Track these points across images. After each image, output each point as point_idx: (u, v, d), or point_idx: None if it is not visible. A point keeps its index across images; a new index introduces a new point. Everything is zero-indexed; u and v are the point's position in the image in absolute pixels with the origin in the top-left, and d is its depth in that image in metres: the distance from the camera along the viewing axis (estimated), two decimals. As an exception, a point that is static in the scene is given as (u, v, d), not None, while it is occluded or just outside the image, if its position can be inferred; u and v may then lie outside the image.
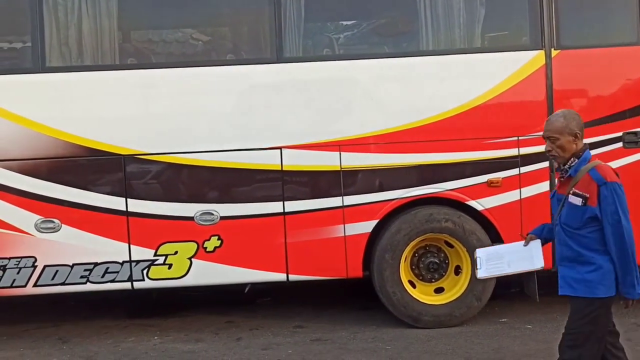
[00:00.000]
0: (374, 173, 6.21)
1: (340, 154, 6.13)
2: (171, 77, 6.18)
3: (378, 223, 6.21)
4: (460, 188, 6.19)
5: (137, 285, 6.19)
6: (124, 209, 6.12)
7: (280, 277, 6.22)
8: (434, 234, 6.23)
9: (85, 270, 6.12)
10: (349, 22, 6.92)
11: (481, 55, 6.29)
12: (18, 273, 6.10)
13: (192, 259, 6.16)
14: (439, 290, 6.35)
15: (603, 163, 3.75)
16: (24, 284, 6.12)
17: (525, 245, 4.07)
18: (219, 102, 6.20)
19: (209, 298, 7.50)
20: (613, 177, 3.66)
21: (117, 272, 6.14)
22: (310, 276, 6.26)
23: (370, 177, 6.21)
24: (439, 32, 6.29)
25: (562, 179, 3.81)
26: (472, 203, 6.20)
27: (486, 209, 6.18)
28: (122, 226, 6.11)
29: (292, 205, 6.17)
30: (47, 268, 6.10)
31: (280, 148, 6.13)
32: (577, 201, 3.66)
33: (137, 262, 6.14)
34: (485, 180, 6.17)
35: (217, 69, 6.25)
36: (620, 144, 6.14)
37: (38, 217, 6.09)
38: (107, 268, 6.13)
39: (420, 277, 6.36)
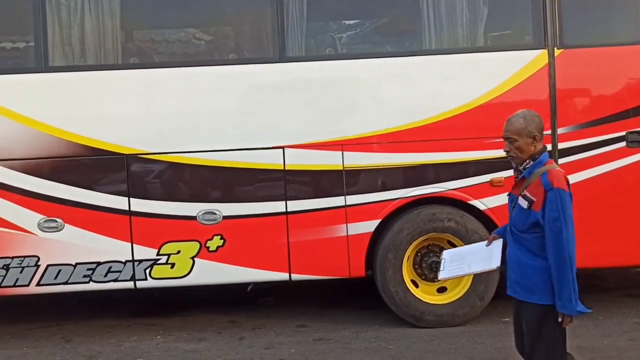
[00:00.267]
0: (377, 172, 6.20)
1: (342, 153, 6.13)
2: (174, 77, 6.19)
3: (381, 222, 6.21)
4: (463, 187, 6.19)
5: (140, 284, 6.19)
6: (127, 209, 6.12)
7: (282, 276, 6.22)
8: (436, 234, 6.23)
9: (88, 269, 6.13)
10: (351, 22, 6.92)
11: (484, 54, 6.28)
12: (21, 272, 6.11)
13: (195, 259, 6.17)
14: (442, 290, 6.35)
15: (557, 168, 3.64)
16: (27, 283, 6.14)
17: (487, 246, 3.99)
18: (222, 102, 6.20)
19: (211, 297, 7.50)
20: (562, 183, 3.52)
21: (120, 271, 6.15)
22: (312, 275, 6.26)
23: (373, 176, 6.21)
24: (441, 32, 6.28)
25: (517, 180, 3.74)
26: (475, 202, 6.20)
27: (489, 209, 6.17)
28: (125, 225, 6.12)
29: (294, 205, 6.17)
30: (50, 267, 6.12)
31: (282, 147, 6.13)
32: (524, 204, 3.59)
33: (140, 261, 6.15)
34: (488, 179, 6.16)
35: (220, 68, 6.25)
36: (623, 143, 6.10)
37: (41, 216, 6.10)
38: (110, 267, 6.14)
39: (423, 277, 6.35)
